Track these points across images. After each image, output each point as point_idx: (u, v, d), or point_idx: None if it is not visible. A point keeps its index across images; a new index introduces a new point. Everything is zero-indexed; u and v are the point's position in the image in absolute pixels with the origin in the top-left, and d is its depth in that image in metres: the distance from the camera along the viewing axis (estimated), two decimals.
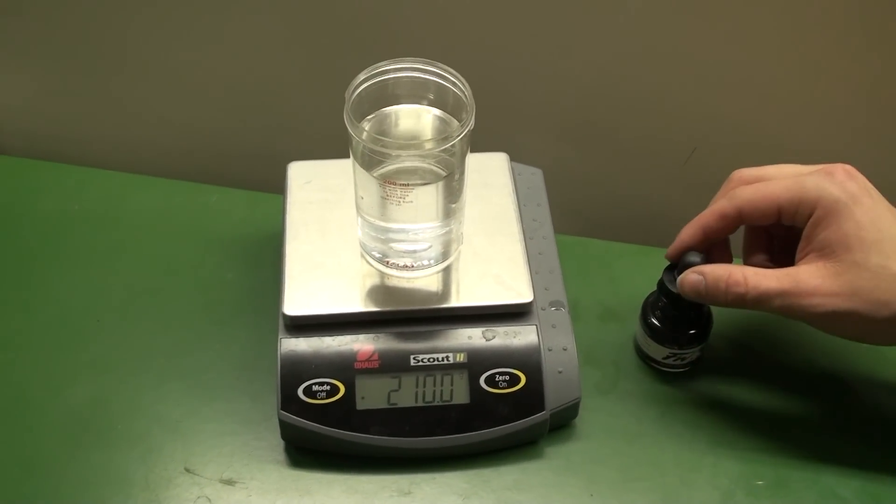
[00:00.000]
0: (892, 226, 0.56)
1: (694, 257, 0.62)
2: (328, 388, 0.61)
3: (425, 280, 0.65)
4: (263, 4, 0.77)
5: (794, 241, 0.60)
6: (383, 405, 0.62)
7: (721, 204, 0.62)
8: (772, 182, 0.60)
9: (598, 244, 0.78)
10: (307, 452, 0.63)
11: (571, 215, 0.78)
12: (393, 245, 0.63)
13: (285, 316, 0.62)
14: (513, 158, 0.73)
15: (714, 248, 0.64)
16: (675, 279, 0.63)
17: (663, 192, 0.86)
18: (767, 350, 0.71)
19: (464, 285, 0.65)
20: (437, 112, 0.61)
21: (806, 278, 0.57)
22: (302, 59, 0.80)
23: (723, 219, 0.61)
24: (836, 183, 0.57)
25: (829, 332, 0.59)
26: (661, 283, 0.65)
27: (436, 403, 0.62)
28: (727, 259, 0.65)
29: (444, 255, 0.64)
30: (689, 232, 0.63)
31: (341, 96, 0.58)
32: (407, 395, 0.62)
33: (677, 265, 0.63)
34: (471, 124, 0.57)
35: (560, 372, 0.63)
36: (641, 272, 0.73)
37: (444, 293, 0.65)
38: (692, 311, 0.65)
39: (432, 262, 0.64)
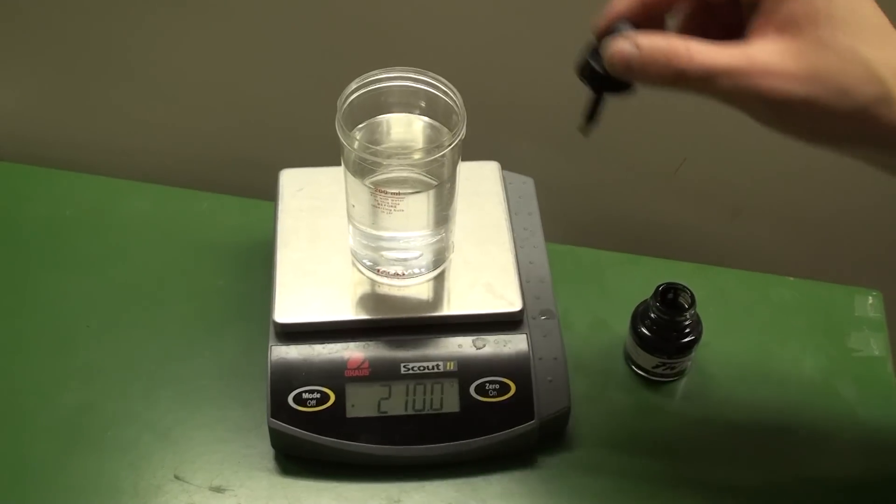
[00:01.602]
0: (867, 6, 0.47)
1: (625, 25, 0.49)
2: (318, 395, 0.61)
3: (416, 288, 0.65)
4: (256, 12, 0.77)
5: (739, 26, 0.50)
6: (373, 413, 0.62)
7: None
8: None
9: (588, 253, 0.78)
10: (297, 460, 0.63)
11: (562, 224, 0.78)
12: (384, 253, 0.63)
13: (276, 323, 0.62)
14: (504, 167, 0.73)
15: (651, 26, 0.50)
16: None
17: (654, 201, 0.86)
18: (756, 359, 0.71)
19: (454, 294, 0.65)
20: (429, 121, 0.61)
21: (761, 55, 0.46)
22: (294, 66, 0.80)
23: None
24: None
25: (778, 129, 0.48)
26: (583, 67, 0.50)
27: (426, 412, 0.62)
28: None
29: (435, 263, 0.64)
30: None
31: (333, 104, 0.58)
32: (397, 403, 0.62)
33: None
34: (462, 133, 0.57)
35: (550, 381, 0.63)
36: (632, 281, 0.73)
37: (435, 301, 0.65)
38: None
39: (423, 270, 0.64)
